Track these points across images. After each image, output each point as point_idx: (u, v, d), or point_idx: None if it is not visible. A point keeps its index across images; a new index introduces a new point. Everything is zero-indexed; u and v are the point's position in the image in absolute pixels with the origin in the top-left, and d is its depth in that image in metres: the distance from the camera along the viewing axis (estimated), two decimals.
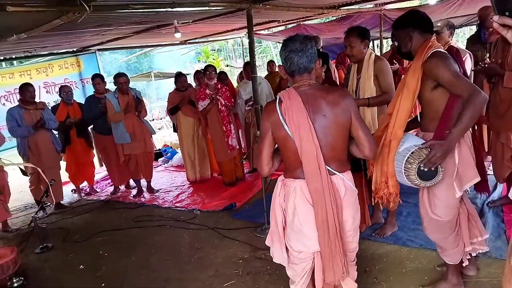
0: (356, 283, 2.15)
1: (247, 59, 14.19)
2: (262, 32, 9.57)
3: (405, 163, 2.01)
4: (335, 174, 1.81)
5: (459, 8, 7.26)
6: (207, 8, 4.17)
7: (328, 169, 1.77)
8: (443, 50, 2.10)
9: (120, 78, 4.85)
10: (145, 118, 5.14)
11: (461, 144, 2.11)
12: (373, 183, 2.31)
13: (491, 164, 3.61)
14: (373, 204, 3.12)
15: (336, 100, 1.76)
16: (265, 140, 1.86)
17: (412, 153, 1.99)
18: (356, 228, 1.91)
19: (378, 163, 2.23)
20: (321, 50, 4.50)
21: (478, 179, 2.18)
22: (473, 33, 4.74)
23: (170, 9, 3.78)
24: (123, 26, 4.87)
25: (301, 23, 8.85)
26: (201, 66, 22.83)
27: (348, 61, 4.47)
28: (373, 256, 2.93)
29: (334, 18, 9.06)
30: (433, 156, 1.91)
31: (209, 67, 5.09)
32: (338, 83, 4.17)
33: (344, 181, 1.83)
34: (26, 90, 4.54)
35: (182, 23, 5.61)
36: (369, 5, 7.86)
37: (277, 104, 1.80)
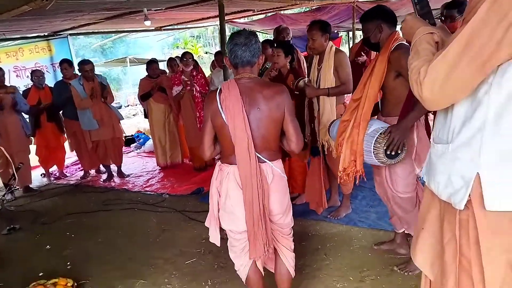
0: (306, 258, 2.31)
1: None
2: (238, 20, 9.63)
3: (375, 143, 2.27)
4: (265, 162, 1.95)
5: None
6: None
7: (258, 156, 1.91)
8: (406, 43, 2.31)
9: (85, 66, 4.82)
10: (112, 104, 5.16)
11: (419, 126, 2.41)
12: (341, 163, 2.50)
13: None
14: (339, 183, 3.31)
15: (272, 95, 1.89)
16: (206, 126, 1.98)
17: (380, 133, 2.25)
18: (285, 210, 2.05)
19: (348, 143, 2.43)
20: (291, 41, 4.65)
21: None
22: None
23: None
24: (95, 12, 4.86)
25: (278, 12, 8.96)
26: (179, 52, 22.64)
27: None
28: (326, 236, 3.14)
29: (309, 9, 9.22)
30: (393, 140, 2.21)
31: (187, 54, 5.18)
32: (305, 72, 4.31)
33: (273, 169, 1.98)
34: None
35: (155, 10, 5.64)
36: None
37: (217, 93, 1.92)
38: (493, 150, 1.12)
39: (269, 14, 9.44)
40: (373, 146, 2.28)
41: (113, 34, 13.76)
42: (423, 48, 1.22)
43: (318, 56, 3.30)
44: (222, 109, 1.87)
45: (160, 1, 4.80)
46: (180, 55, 5.47)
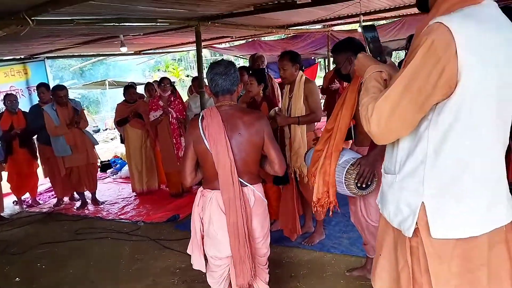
0: (280, 287, 2.30)
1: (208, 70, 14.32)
2: (218, 46, 9.82)
3: (345, 174, 2.29)
4: (247, 185, 2.02)
5: (399, 32, 7.86)
6: (154, 24, 4.31)
7: (240, 181, 1.97)
8: None
9: (60, 92, 4.75)
10: (87, 128, 5.12)
11: None
12: (315, 193, 2.53)
13: None
14: (313, 212, 3.34)
15: (251, 121, 1.99)
16: (188, 153, 2.04)
17: (352, 164, 2.28)
18: (265, 235, 2.12)
19: (321, 174, 2.47)
20: (265, 68, 4.78)
21: None
22: (403, 58, 5.22)
23: (116, 24, 3.88)
24: (72, 37, 4.88)
25: (256, 39, 9.19)
26: (160, 75, 22.75)
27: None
28: (300, 263, 3.16)
29: (286, 36, 9.51)
30: (363, 172, 2.23)
31: (164, 79, 5.23)
32: (279, 99, 4.42)
33: (254, 192, 2.04)
34: None
35: (133, 36, 5.71)
36: (318, 26, 8.33)
37: (199, 120, 1.99)
38: (434, 181, 1.20)
39: (248, 40, 9.69)
40: (344, 178, 2.30)
41: (92, 57, 13.82)
42: (372, 85, 1.30)
43: (289, 85, 3.41)
44: (204, 135, 1.94)
45: (137, 28, 4.87)
46: (158, 79, 5.52)
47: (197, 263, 2.15)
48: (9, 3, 2.68)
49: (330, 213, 2.49)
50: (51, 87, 5.30)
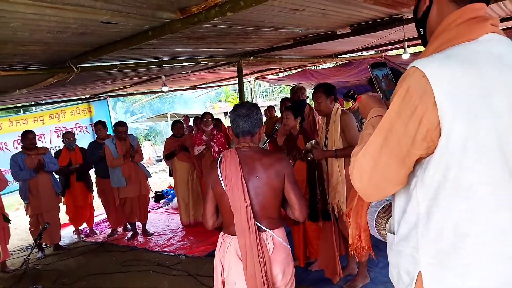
0: None
1: (267, 98, 14.41)
2: (269, 76, 9.94)
3: (376, 218, 2.08)
4: (266, 231, 1.90)
5: None
6: (196, 63, 4.46)
7: (258, 225, 1.87)
8: None
9: (120, 128, 5.09)
10: (141, 162, 5.35)
11: None
12: (350, 236, 2.36)
13: None
14: (349, 255, 3.12)
15: (270, 163, 1.90)
16: (208, 196, 1.99)
17: (383, 207, 2.07)
18: (287, 283, 1.96)
19: (354, 215, 2.29)
20: (306, 100, 4.69)
21: None
22: None
23: (159, 66, 4.08)
24: (123, 79, 5.23)
25: (307, 67, 9.15)
26: (221, 105, 23.69)
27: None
28: None
29: (338, 63, 9.36)
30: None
31: (206, 115, 5.36)
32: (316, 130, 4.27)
33: (274, 238, 1.92)
34: (25, 137, 4.83)
35: (182, 73, 5.98)
36: (371, 52, 8.09)
37: (218, 162, 1.94)
38: (429, 249, 1.00)
39: (299, 70, 9.69)
40: (375, 221, 2.11)
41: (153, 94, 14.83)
42: (367, 133, 1.15)
43: (325, 117, 3.28)
44: (222, 177, 1.89)
45: (180, 67, 5.06)
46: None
47: None
48: (55, 54, 2.93)
49: (363, 259, 2.27)
50: (113, 123, 5.69)
